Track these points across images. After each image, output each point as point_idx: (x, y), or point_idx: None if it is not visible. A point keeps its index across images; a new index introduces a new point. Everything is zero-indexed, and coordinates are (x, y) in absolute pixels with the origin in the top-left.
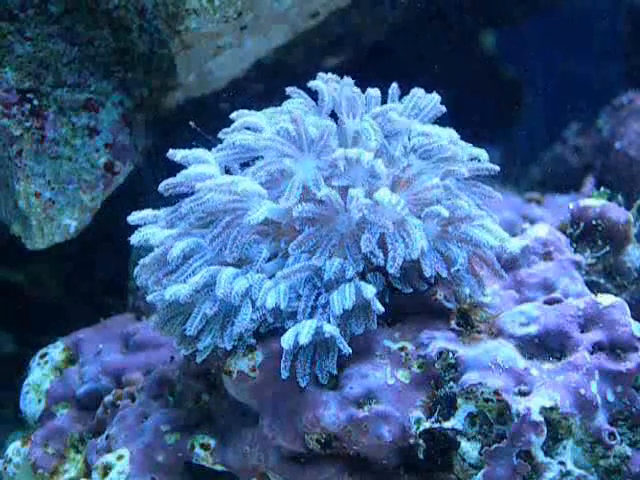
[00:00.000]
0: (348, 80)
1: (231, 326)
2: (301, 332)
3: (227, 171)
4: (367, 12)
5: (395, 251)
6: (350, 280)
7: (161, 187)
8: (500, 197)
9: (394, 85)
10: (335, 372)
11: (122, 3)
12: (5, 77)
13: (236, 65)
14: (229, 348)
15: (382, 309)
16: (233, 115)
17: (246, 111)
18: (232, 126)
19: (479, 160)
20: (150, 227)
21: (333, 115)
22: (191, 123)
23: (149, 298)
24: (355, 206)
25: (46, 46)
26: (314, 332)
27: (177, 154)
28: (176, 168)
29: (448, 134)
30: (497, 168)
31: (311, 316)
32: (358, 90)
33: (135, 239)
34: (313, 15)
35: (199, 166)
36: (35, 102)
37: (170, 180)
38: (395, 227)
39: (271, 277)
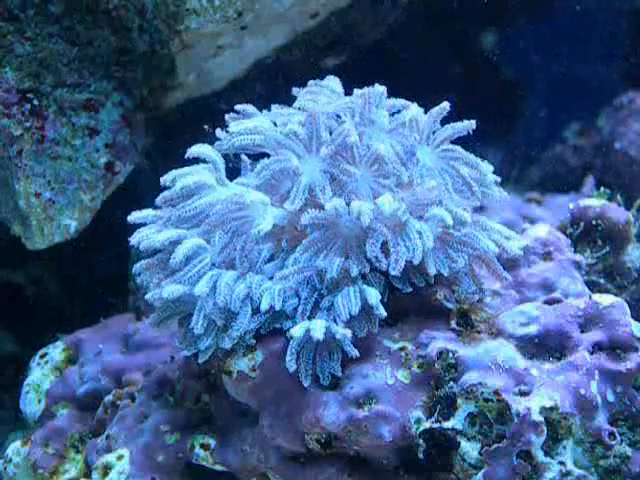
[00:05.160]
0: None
1: (231, 328)
2: (314, 328)
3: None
4: (367, 12)
5: (397, 254)
6: (354, 281)
7: (158, 200)
8: (508, 197)
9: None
10: (340, 374)
11: (122, 3)
12: (5, 77)
13: (236, 65)
14: (228, 348)
15: (385, 314)
16: (234, 112)
17: (250, 107)
18: (235, 128)
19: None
20: (149, 228)
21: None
22: (205, 126)
23: (147, 296)
24: (362, 217)
25: (46, 46)
26: (326, 331)
27: (168, 178)
28: (176, 168)
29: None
30: (498, 179)
31: (310, 318)
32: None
33: (134, 239)
34: (313, 15)
35: (193, 175)
36: (35, 102)
37: (166, 193)
38: (396, 231)
39: (271, 278)
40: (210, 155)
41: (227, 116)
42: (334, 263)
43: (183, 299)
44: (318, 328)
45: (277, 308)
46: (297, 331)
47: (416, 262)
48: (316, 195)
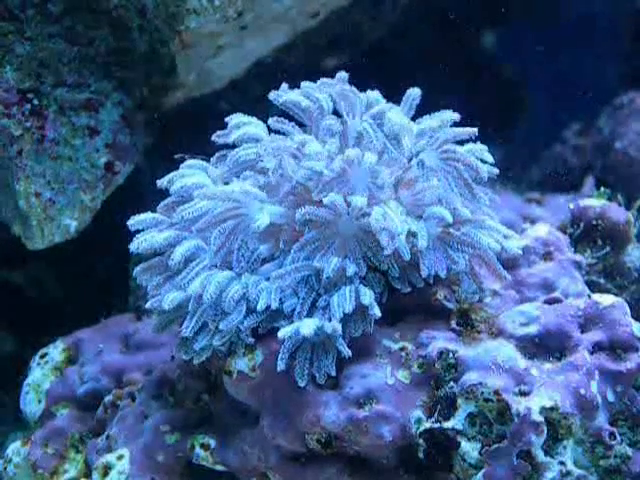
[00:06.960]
0: (343, 74)
1: (222, 323)
2: (302, 326)
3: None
4: (367, 12)
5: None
6: (350, 281)
7: (159, 209)
8: (499, 200)
9: (414, 90)
10: (334, 373)
11: (122, 3)
12: (5, 77)
13: (236, 65)
14: (218, 344)
15: (379, 314)
16: (230, 122)
17: (242, 117)
18: (231, 137)
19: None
20: (149, 232)
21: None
22: (176, 156)
23: (148, 305)
24: (360, 215)
25: (46, 46)
26: (316, 328)
27: (164, 181)
28: (176, 168)
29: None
30: (496, 170)
31: (308, 317)
32: (354, 89)
33: (134, 246)
34: (313, 15)
35: (188, 178)
36: (35, 102)
37: (167, 201)
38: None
39: (269, 278)
40: (201, 164)
41: (214, 135)
42: (331, 263)
43: (183, 304)
44: (307, 325)
45: (273, 307)
46: (283, 332)
47: (406, 258)
48: (313, 193)
